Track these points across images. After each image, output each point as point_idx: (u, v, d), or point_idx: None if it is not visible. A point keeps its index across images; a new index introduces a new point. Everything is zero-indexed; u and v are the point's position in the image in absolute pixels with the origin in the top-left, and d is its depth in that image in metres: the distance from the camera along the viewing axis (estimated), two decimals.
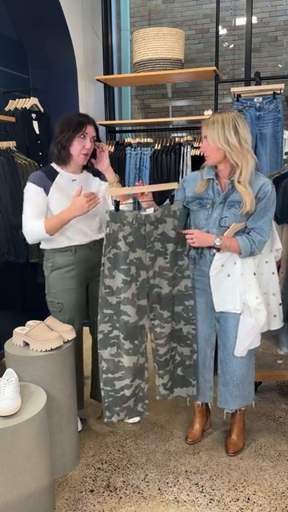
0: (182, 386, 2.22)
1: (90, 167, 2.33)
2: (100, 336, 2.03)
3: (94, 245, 2.30)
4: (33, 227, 2.13)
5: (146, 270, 2.03)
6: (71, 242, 2.24)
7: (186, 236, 2.00)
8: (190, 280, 2.10)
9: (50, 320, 2.10)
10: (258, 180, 1.98)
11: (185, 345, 2.16)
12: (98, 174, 2.36)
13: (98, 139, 2.22)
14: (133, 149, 3.62)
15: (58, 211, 2.15)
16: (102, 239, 2.34)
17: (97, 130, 2.21)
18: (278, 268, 2.66)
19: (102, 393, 2.08)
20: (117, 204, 1.93)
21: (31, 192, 2.16)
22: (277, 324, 2.20)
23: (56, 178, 2.19)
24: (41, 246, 2.30)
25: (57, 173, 2.20)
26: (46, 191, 2.16)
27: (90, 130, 2.15)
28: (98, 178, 2.35)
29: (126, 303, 1.99)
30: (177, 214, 2.03)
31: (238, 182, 1.94)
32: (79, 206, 2.07)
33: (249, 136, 1.95)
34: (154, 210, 2.00)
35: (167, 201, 2.04)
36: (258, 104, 3.31)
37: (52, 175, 2.19)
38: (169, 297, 2.08)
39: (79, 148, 2.14)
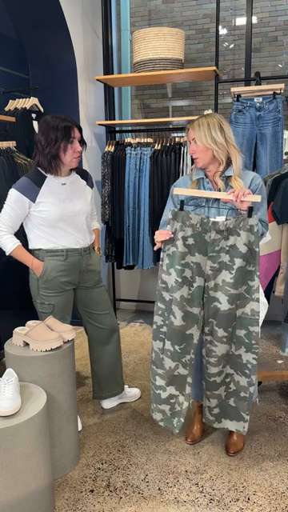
0: (232, 418, 2.09)
1: (78, 169, 2.30)
2: (154, 327, 2.08)
3: (85, 251, 2.30)
4: (6, 242, 2.16)
5: (204, 278, 1.96)
6: (61, 244, 2.21)
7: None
8: (258, 304, 1.95)
9: (50, 320, 2.10)
10: (247, 174, 2.04)
11: (242, 374, 2.02)
12: (85, 177, 2.35)
13: (82, 140, 2.19)
14: (133, 149, 3.62)
15: (46, 216, 2.13)
16: (90, 245, 2.35)
17: (81, 130, 2.18)
18: (278, 268, 2.67)
19: (151, 382, 2.14)
20: (181, 204, 1.92)
21: (13, 200, 2.12)
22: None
23: (44, 184, 2.14)
24: (29, 247, 2.26)
25: (45, 177, 2.16)
26: (33, 199, 2.12)
27: (76, 132, 2.13)
28: (85, 182, 2.33)
29: (175, 304, 1.97)
30: (253, 229, 1.86)
31: (229, 177, 1.98)
32: (37, 271, 2.22)
33: (233, 135, 2.02)
34: (226, 219, 1.91)
35: (244, 213, 1.90)
36: (258, 104, 3.32)
37: (40, 181, 2.14)
38: (229, 316, 1.95)
39: (71, 153, 2.12)
